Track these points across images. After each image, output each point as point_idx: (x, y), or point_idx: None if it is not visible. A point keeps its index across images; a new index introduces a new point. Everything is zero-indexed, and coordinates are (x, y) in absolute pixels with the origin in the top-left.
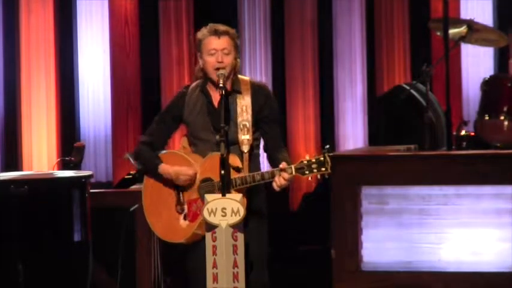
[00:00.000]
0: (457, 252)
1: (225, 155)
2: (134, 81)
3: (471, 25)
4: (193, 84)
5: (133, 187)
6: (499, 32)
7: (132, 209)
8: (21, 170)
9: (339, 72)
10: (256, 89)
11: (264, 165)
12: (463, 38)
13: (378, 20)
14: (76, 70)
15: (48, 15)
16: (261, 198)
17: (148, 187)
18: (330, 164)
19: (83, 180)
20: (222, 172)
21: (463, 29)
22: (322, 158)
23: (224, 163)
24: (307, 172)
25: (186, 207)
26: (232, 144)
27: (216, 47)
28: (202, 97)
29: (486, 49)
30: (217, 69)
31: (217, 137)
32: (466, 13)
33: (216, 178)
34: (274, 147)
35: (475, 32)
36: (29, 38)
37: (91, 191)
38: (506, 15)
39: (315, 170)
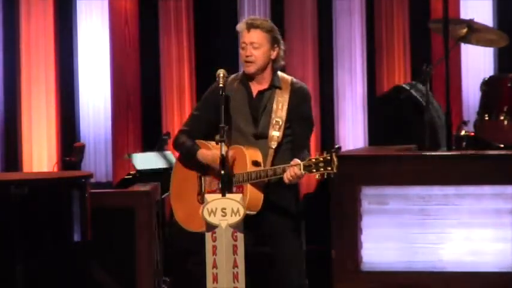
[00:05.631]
0: (457, 252)
1: (225, 155)
2: (134, 81)
3: (471, 25)
4: (233, 75)
5: (133, 187)
6: (499, 32)
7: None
8: (21, 170)
9: (339, 72)
10: (296, 88)
11: None
12: (463, 38)
13: (378, 20)
14: (76, 70)
15: (48, 15)
16: (288, 197)
17: (177, 174)
18: (336, 164)
19: (83, 180)
20: (222, 172)
21: (463, 30)
22: (329, 158)
23: (224, 163)
24: (314, 170)
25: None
26: (263, 138)
27: (245, 41)
28: (242, 88)
29: (486, 49)
30: (246, 62)
31: (217, 137)
32: (466, 13)
33: (235, 171)
34: (298, 146)
35: (475, 32)
36: (29, 38)
37: (91, 191)
38: (506, 15)
39: (321, 169)
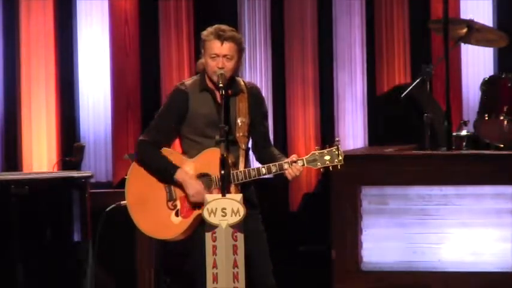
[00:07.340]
0: (457, 252)
1: (225, 155)
2: (134, 81)
3: (471, 25)
4: (190, 81)
5: None
6: (499, 32)
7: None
8: (21, 170)
9: (339, 72)
10: (251, 89)
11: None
12: (463, 38)
13: (377, 20)
14: (76, 70)
15: (48, 15)
16: (251, 193)
17: (133, 183)
18: (343, 155)
19: (83, 180)
20: (223, 172)
21: (463, 30)
22: (335, 150)
23: (225, 163)
24: (319, 164)
25: (178, 203)
26: (233, 143)
27: (217, 52)
28: (206, 94)
29: (486, 49)
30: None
31: (217, 137)
32: (466, 13)
33: (214, 173)
34: (264, 144)
35: (475, 32)
36: (29, 38)
37: (91, 191)
38: (506, 15)
39: (327, 162)
